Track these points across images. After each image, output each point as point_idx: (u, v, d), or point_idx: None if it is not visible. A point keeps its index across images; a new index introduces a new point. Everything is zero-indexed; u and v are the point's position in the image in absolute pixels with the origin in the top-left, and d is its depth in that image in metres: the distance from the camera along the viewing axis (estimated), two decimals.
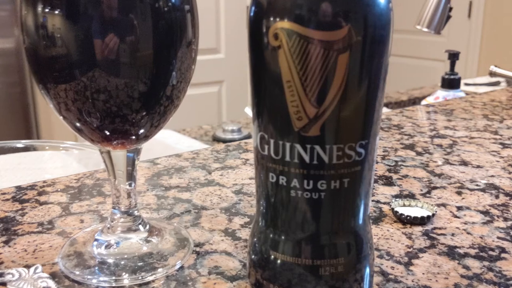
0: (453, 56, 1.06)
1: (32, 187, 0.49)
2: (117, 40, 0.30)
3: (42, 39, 0.31)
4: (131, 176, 0.37)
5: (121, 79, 0.31)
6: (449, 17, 1.23)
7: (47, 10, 0.30)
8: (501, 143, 0.64)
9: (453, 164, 0.57)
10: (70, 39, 0.31)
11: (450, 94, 1.03)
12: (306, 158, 0.28)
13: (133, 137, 0.35)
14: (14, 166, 0.88)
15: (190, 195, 0.48)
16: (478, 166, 0.56)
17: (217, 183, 0.51)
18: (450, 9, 1.24)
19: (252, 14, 0.28)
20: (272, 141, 0.29)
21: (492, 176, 0.54)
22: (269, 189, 0.30)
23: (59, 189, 0.48)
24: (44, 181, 0.50)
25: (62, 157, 0.88)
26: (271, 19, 0.27)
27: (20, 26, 0.33)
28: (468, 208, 0.46)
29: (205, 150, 0.61)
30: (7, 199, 0.46)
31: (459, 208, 0.46)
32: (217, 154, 0.60)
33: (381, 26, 0.27)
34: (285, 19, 0.26)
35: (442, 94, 1.03)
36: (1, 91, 2.22)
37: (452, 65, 1.06)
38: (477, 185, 0.51)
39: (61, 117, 0.36)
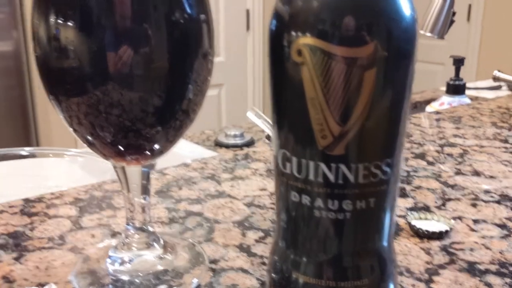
0: (458, 62, 1.05)
1: (40, 199, 0.48)
2: (131, 52, 0.29)
3: (54, 51, 0.31)
4: (145, 190, 0.36)
5: (135, 93, 0.31)
6: (452, 21, 1.23)
7: (60, 21, 0.29)
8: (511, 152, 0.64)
9: (466, 175, 0.56)
10: (83, 51, 0.30)
11: (455, 100, 1.02)
12: (331, 177, 0.27)
13: (148, 152, 0.34)
14: (15, 172, 0.87)
15: (201, 208, 0.47)
16: (491, 177, 0.56)
17: (228, 195, 0.50)
18: (454, 14, 1.24)
19: (273, 28, 0.27)
20: (294, 159, 0.28)
21: (506, 187, 0.53)
22: (291, 208, 0.29)
23: (67, 202, 0.48)
24: (52, 193, 0.49)
25: (64, 163, 0.87)
26: (294, 34, 0.26)
27: (31, 35, 0.32)
28: (484, 221, 0.45)
29: (213, 159, 0.60)
30: (15, 213, 0.45)
31: (476, 222, 0.45)
32: (225, 163, 0.59)
33: (407, 40, 0.26)
34: (309, 35, 0.25)
35: (447, 100, 1.03)
36: (0, 94, 2.21)
37: (457, 70, 1.05)
38: (491, 196, 0.51)
39: (71, 129, 0.35)
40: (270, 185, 0.53)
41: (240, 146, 1.10)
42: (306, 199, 0.28)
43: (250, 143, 1.17)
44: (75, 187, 0.51)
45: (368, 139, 0.27)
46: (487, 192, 0.52)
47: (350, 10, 0.25)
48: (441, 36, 1.19)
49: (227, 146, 1.20)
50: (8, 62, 2.21)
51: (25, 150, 0.83)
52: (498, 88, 1.69)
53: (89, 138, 0.34)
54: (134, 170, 0.35)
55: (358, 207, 0.28)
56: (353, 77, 0.25)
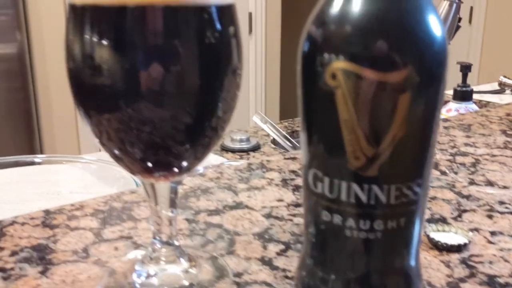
0: (465, 68, 1.06)
1: (60, 211, 0.49)
2: (163, 71, 0.30)
3: (87, 68, 0.31)
4: (173, 203, 0.36)
5: (166, 111, 0.31)
6: (458, 27, 1.24)
7: (94, 40, 0.30)
8: None
9: (479, 185, 0.57)
10: (117, 70, 0.30)
11: (462, 106, 1.03)
12: (363, 198, 0.28)
13: (176, 169, 0.34)
14: (23, 178, 0.87)
15: (221, 219, 0.47)
16: (504, 187, 0.56)
17: (245, 206, 0.50)
18: (459, 19, 1.24)
19: (306, 50, 0.28)
20: (326, 179, 0.28)
21: None
22: (321, 226, 0.29)
23: (88, 213, 0.48)
24: (72, 205, 0.50)
25: (76, 169, 0.88)
26: (329, 58, 0.26)
27: (65, 47, 0.33)
28: (501, 233, 0.46)
29: (228, 169, 0.60)
30: (37, 225, 0.46)
31: (493, 234, 0.46)
32: (240, 173, 0.59)
33: (440, 63, 0.27)
34: (343, 60, 0.26)
35: (454, 106, 1.03)
36: (3, 96, 2.21)
37: (464, 77, 1.06)
38: (506, 207, 0.51)
39: (98, 142, 0.35)
40: (287, 195, 0.53)
41: (246, 151, 1.11)
42: (337, 219, 0.28)
43: (256, 148, 1.17)
44: (94, 198, 0.51)
45: (400, 160, 0.27)
46: (502, 203, 0.52)
47: (384, 36, 0.25)
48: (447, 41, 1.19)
49: (233, 151, 1.20)
50: (12, 65, 2.21)
51: (38, 157, 0.83)
52: (502, 91, 1.70)
53: (118, 153, 0.34)
54: (163, 185, 0.35)
55: (389, 227, 0.28)
56: (387, 101, 0.26)
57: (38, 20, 2.16)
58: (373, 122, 0.26)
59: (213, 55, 0.32)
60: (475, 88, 1.75)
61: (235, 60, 0.33)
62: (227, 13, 0.31)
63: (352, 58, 0.25)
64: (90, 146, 2.26)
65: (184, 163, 0.34)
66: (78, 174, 0.86)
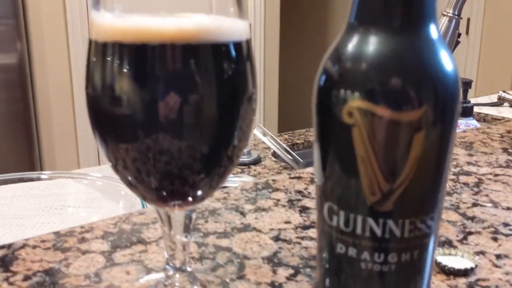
0: (466, 85, 1.07)
1: (71, 233, 0.49)
2: (182, 104, 0.30)
3: (107, 97, 0.31)
4: (187, 228, 0.37)
5: (184, 141, 0.32)
6: (458, 42, 1.25)
7: (116, 73, 0.30)
8: None
9: (483, 206, 0.57)
10: (137, 102, 0.30)
11: (463, 122, 1.04)
12: (378, 231, 0.28)
13: (190, 198, 0.35)
14: (26, 192, 0.87)
15: (230, 242, 0.48)
16: (508, 208, 0.57)
17: (253, 228, 0.51)
18: (459, 34, 1.26)
19: (322, 85, 0.29)
20: (342, 213, 0.29)
21: None
22: (336, 259, 0.30)
23: (98, 236, 0.48)
24: (82, 227, 0.50)
25: (74, 183, 0.88)
26: (346, 96, 0.27)
27: (85, 75, 0.33)
28: (506, 256, 0.46)
29: (234, 189, 0.61)
30: (48, 248, 0.46)
31: (498, 257, 0.46)
32: (247, 193, 0.60)
33: (454, 101, 0.27)
34: (360, 99, 0.27)
35: None
36: (3, 106, 2.21)
37: (465, 93, 1.07)
38: (510, 229, 0.52)
39: (111, 167, 0.35)
40: (294, 217, 0.54)
41: (248, 164, 1.11)
42: (352, 251, 0.29)
43: (257, 161, 1.18)
44: (103, 220, 0.52)
45: (415, 195, 0.28)
46: (506, 224, 0.53)
47: (401, 76, 0.26)
48: None
49: None
50: (12, 75, 2.22)
51: (44, 174, 0.83)
52: (500, 104, 1.71)
53: (133, 181, 0.35)
54: (178, 212, 0.36)
55: (402, 259, 0.29)
56: (403, 139, 0.27)
57: (38, 30, 2.17)
58: (389, 159, 0.27)
59: (230, 87, 0.32)
60: (473, 100, 1.77)
61: (251, 88, 0.34)
62: (243, 48, 0.32)
63: (369, 98, 0.26)
64: (89, 156, 2.26)
65: (199, 192, 0.35)
66: (82, 188, 0.86)
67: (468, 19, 2.90)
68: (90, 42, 0.31)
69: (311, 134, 1.26)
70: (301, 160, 1.00)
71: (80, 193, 0.86)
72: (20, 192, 0.88)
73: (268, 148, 1.13)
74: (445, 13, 1.21)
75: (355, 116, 0.27)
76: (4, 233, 0.77)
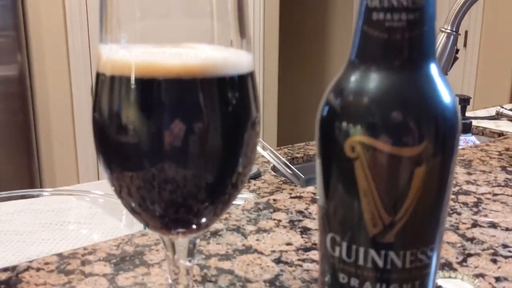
0: (464, 101, 1.08)
1: (74, 255, 0.49)
2: (188, 134, 0.31)
3: (114, 126, 0.32)
4: (191, 253, 0.37)
5: (189, 170, 0.32)
6: (456, 58, 1.26)
7: (123, 103, 0.31)
8: None
9: (483, 227, 0.58)
10: (143, 131, 0.31)
11: (462, 138, 1.05)
12: (380, 262, 0.29)
13: (194, 226, 0.35)
14: (26, 207, 0.88)
15: (232, 265, 0.48)
16: (507, 229, 0.57)
17: (255, 250, 0.51)
18: (457, 51, 1.27)
19: (324, 121, 0.29)
20: (344, 244, 0.29)
21: None
22: None
23: (101, 258, 0.49)
24: (85, 248, 0.51)
25: (75, 199, 0.88)
26: (348, 131, 0.28)
27: (93, 100, 0.33)
28: (506, 279, 0.47)
29: (236, 209, 0.61)
30: (52, 270, 0.46)
31: (498, 279, 0.47)
32: (248, 214, 0.60)
33: (453, 136, 0.28)
34: (363, 134, 0.27)
35: None
36: (3, 118, 2.22)
37: (463, 110, 1.08)
38: (509, 251, 0.52)
39: (114, 192, 0.36)
40: (295, 238, 0.54)
41: (248, 179, 1.11)
42: (354, 282, 0.30)
43: (257, 175, 1.18)
44: (106, 241, 0.52)
45: (416, 228, 0.28)
46: (505, 246, 0.53)
47: (402, 113, 0.27)
48: (444, 72, 1.21)
49: None
50: (12, 87, 2.22)
51: (46, 191, 0.84)
52: (498, 118, 1.72)
53: (136, 208, 0.35)
54: (181, 239, 0.36)
55: None
56: (404, 173, 0.27)
57: (39, 42, 2.18)
58: (391, 192, 0.28)
59: (235, 117, 0.33)
60: (471, 114, 1.78)
61: (254, 113, 0.34)
62: (247, 80, 0.33)
63: (371, 133, 0.27)
64: (88, 168, 2.26)
65: (203, 220, 0.35)
66: (82, 204, 0.87)
67: (466, 32, 2.92)
68: (97, 74, 0.32)
69: (311, 147, 1.27)
70: (302, 176, 1.00)
71: (81, 209, 0.87)
72: (20, 207, 0.88)
73: (268, 162, 1.14)
74: (443, 29, 1.22)
75: (358, 150, 0.27)
76: (4, 249, 0.77)
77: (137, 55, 0.31)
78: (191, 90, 0.30)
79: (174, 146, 0.31)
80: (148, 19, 0.33)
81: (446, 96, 0.27)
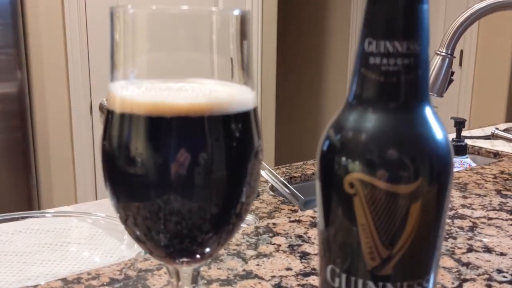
0: (459, 124, 1.09)
1: (78, 280, 0.50)
2: (194, 167, 0.32)
3: (123, 158, 0.33)
4: (196, 280, 0.38)
5: (195, 202, 0.33)
6: (451, 80, 1.28)
7: (132, 137, 0.32)
8: None
9: (478, 251, 0.59)
10: (151, 166, 0.32)
11: (457, 160, 1.06)
12: None
13: (198, 256, 0.36)
14: (26, 227, 0.88)
15: None
16: (501, 254, 0.59)
17: (255, 275, 0.52)
18: (452, 73, 1.29)
19: (325, 159, 0.31)
20: (343, 275, 0.31)
21: None
22: None
23: (104, 283, 0.50)
24: (88, 273, 0.52)
25: (72, 220, 0.89)
26: (347, 169, 0.29)
27: (103, 130, 0.34)
28: None
29: (236, 233, 0.62)
30: None
31: None
32: (248, 238, 0.61)
33: (447, 173, 0.30)
34: (361, 171, 0.29)
35: None
36: (2, 135, 2.23)
37: (459, 132, 1.09)
38: (504, 276, 0.53)
39: (120, 220, 0.37)
40: (294, 263, 0.55)
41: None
42: None
43: (255, 196, 1.18)
44: (109, 266, 0.53)
45: (413, 261, 0.30)
46: (499, 271, 0.55)
47: (398, 152, 0.28)
48: (440, 94, 1.23)
49: None
50: (12, 105, 2.24)
51: (48, 213, 0.85)
52: (494, 138, 1.74)
53: (141, 237, 0.36)
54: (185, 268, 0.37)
55: None
56: (400, 209, 0.29)
57: (39, 60, 2.20)
58: (388, 227, 0.29)
59: (239, 150, 0.34)
60: (467, 133, 1.80)
61: (257, 143, 0.35)
62: (251, 115, 0.34)
63: (369, 171, 0.28)
64: (86, 186, 2.27)
65: (207, 250, 0.36)
66: (83, 225, 0.87)
67: (462, 51, 2.95)
68: (108, 111, 0.33)
69: (308, 167, 1.28)
70: (302, 197, 1.01)
71: (81, 229, 0.87)
72: (20, 228, 0.89)
73: (266, 181, 1.15)
74: (438, 52, 1.24)
75: (356, 186, 0.29)
76: (4, 270, 0.78)
77: (146, 94, 0.32)
78: (198, 127, 0.31)
79: (181, 180, 0.32)
80: (155, 55, 0.35)
81: (439, 135, 0.29)
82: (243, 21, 0.33)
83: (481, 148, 1.48)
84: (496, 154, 1.44)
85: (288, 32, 3.19)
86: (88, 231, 0.86)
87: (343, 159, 0.29)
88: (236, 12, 0.33)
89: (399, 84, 0.28)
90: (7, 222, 0.88)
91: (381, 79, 0.28)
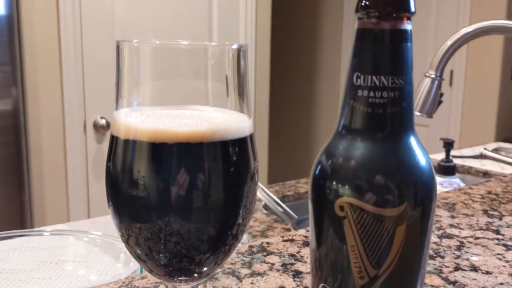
0: (448, 145, 1.12)
1: None
2: (193, 191, 0.34)
3: (126, 182, 0.35)
4: None
5: (193, 224, 0.35)
6: (440, 102, 1.31)
7: (135, 161, 0.34)
8: (504, 245, 0.69)
9: (464, 270, 0.61)
10: (153, 189, 0.34)
11: (446, 180, 1.09)
12: None
13: (196, 274, 0.38)
14: (21, 245, 0.89)
15: None
16: (487, 272, 0.61)
17: None
18: (441, 95, 1.32)
19: (317, 184, 0.33)
20: None
21: (501, 284, 0.58)
22: None
23: None
24: None
25: (69, 238, 0.90)
26: (338, 192, 0.31)
27: (108, 154, 0.37)
28: None
29: None
30: None
31: None
32: (243, 257, 0.63)
33: (431, 198, 0.32)
34: (351, 196, 0.31)
35: (439, 180, 1.09)
36: None
37: (447, 153, 1.12)
38: None
39: (121, 240, 0.39)
40: (287, 281, 0.57)
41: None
42: None
43: (252, 216, 1.19)
44: (107, 284, 0.55)
45: (399, 279, 0.32)
46: None
47: (385, 179, 0.30)
48: (429, 115, 1.26)
49: None
50: (7, 121, 2.24)
51: (46, 231, 0.86)
52: (483, 157, 1.77)
53: (142, 256, 0.38)
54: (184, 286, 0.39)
55: None
56: (387, 231, 0.31)
57: (34, 77, 2.22)
58: (375, 248, 0.31)
59: (236, 173, 0.36)
60: (457, 153, 1.83)
61: (253, 166, 0.38)
62: (248, 141, 0.36)
63: (358, 196, 0.30)
64: (79, 205, 2.27)
65: (205, 269, 0.38)
66: (79, 243, 0.88)
67: (452, 71, 3.01)
68: (112, 137, 0.35)
69: (301, 185, 1.30)
70: (295, 216, 1.02)
71: (77, 247, 0.88)
72: (16, 245, 0.90)
73: (259, 200, 1.16)
74: (427, 74, 1.28)
75: (346, 210, 0.31)
76: (1, 287, 0.78)
77: (149, 121, 0.34)
78: (198, 153, 0.34)
79: (180, 202, 0.34)
80: (157, 84, 0.37)
81: (423, 163, 0.31)
82: (240, 54, 0.36)
83: (471, 167, 1.51)
84: (486, 174, 1.47)
85: (281, 63, 3.23)
86: (84, 249, 0.87)
87: (334, 184, 0.31)
88: (234, 46, 0.35)
89: (385, 115, 0.30)
90: (3, 240, 0.89)
91: (369, 110, 0.30)
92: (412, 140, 0.31)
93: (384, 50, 0.30)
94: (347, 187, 0.31)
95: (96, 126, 2.19)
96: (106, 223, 1.18)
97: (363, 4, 0.30)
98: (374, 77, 0.30)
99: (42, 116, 2.25)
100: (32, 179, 2.29)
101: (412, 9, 0.30)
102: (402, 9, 0.30)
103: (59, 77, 2.23)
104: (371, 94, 0.30)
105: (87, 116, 2.26)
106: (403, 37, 0.30)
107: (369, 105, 0.30)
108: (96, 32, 2.10)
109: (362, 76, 0.30)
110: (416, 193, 0.31)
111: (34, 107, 2.25)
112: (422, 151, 0.32)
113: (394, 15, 0.29)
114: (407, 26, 0.30)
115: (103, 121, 2.12)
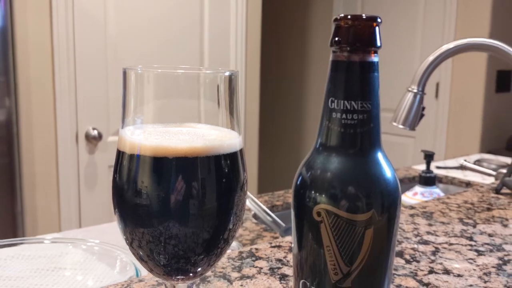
0: (429, 157, 1.18)
1: None
2: (190, 200, 0.39)
3: (131, 191, 0.40)
4: None
5: (190, 229, 0.40)
6: (422, 115, 1.37)
7: (139, 174, 0.39)
8: (476, 250, 0.74)
9: (438, 273, 0.66)
10: (155, 198, 0.39)
11: (427, 190, 1.15)
12: None
13: (191, 274, 0.43)
14: (18, 253, 0.93)
15: None
16: (458, 275, 0.66)
17: None
18: (423, 108, 1.38)
19: (297, 193, 0.38)
20: None
21: (471, 286, 0.63)
22: None
23: None
24: None
25: (67, 246, 0.94)
26: (315, 200, 0.36)
27: (115, 165, 0.41)
28: None
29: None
30: None
31: None
32: (233, 262, 0.68)
33: (395, 205, 0.37)
34: (327, 203, 0.36)
35: (420, 190, 1.15)
36: None
37: (428, 164, 1.18)
38: None
39: (125, 242, 0.43)
40: (274, 284, 0.62)
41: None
42: None
43: (241, 223, 1.24)
44: (107, 287, 0.59)
45: (369, 275, 0.37)
46: None
47: (356, 189, 0.35)
48: (412, 128, 1.32)
49: None
50: (0, 131, 2.27)
51: (46, 239, 0.90)
52: (463, 168, 1.83)
53: (144, 257, 0.43)
54: (181, 285, 0.44)
55: None
56: (357, 233, 0.36)
57: (27, 88, 2.25)
58: (347, 248, 0.36)
59: (228, 184, 0.41)
60: (441, 164, 1.89)
61: (242, 176, 0.43)
62: (238, 155, 0.41)
63: (333, 203, 0.35)
64: (70, 214, 2.30)
65: (199, 269, 0.43)
66: (75, 250, 0.92)
67: (437, 84, 3.08)
68: (119, 152, 0.40)
69: (290, 195, 1.35)
70: (283, 224, 1.07)
71: (73, 255, 0.92)
72: (13, 253, 0.94)
73: (249, 209, 1.21)
74: (410, 89, 1.34)
75: (322, 215, 0.36)
76: None
77: (152, 138, 0.39)
78: (194, 166, 0.39)
79: (178, 209, 0.39)
80: (158, 104, 0.42)
81: (389, 175, 0.36)
82: (231, 79, 0.41)
83: (454, 178, 1.57)
84: (468, 184, 1.53)
85: (272, 77, 3.29)
86: (81, 256, 0.91)
87: (312, 193, 0.36)
88: (226, 73, 0.40)
89: (355, 134, 0.36)
90: (3, 247, 0.92)
91: (341, 130, 0.36)
92: (379, 155, 0.36)
93: (354, 79, 0.35)
94: (323, 195, 0.36)
95: (88, 137, 2.22)
96: (100, 232, 1.22)
97: (336, 39, 0.35)
98: (346, 102, 0.35)
99: (34, 126, 2.29)
100: (24, 188, 2.32)
101: (378, 44, 0.35)
102: (369, 44, 0.35)
103: (52, 88, 2.27)
104: (344, 116, 0.35)
105: (79, 127, 2.30)
106: (370, 68, 0.35)
107: (342, 125, 0.35)
108: (89, 44, 2.15)
109: (336, 101, 0.35)
110: (383, 201, 0.36)
111: (27, 117, 2.29)
112: (388, 165, 0.37)
113: (363, 49, 0.35)
114: (374, 58, 0.35)
115: (95, 132, 2.16)
